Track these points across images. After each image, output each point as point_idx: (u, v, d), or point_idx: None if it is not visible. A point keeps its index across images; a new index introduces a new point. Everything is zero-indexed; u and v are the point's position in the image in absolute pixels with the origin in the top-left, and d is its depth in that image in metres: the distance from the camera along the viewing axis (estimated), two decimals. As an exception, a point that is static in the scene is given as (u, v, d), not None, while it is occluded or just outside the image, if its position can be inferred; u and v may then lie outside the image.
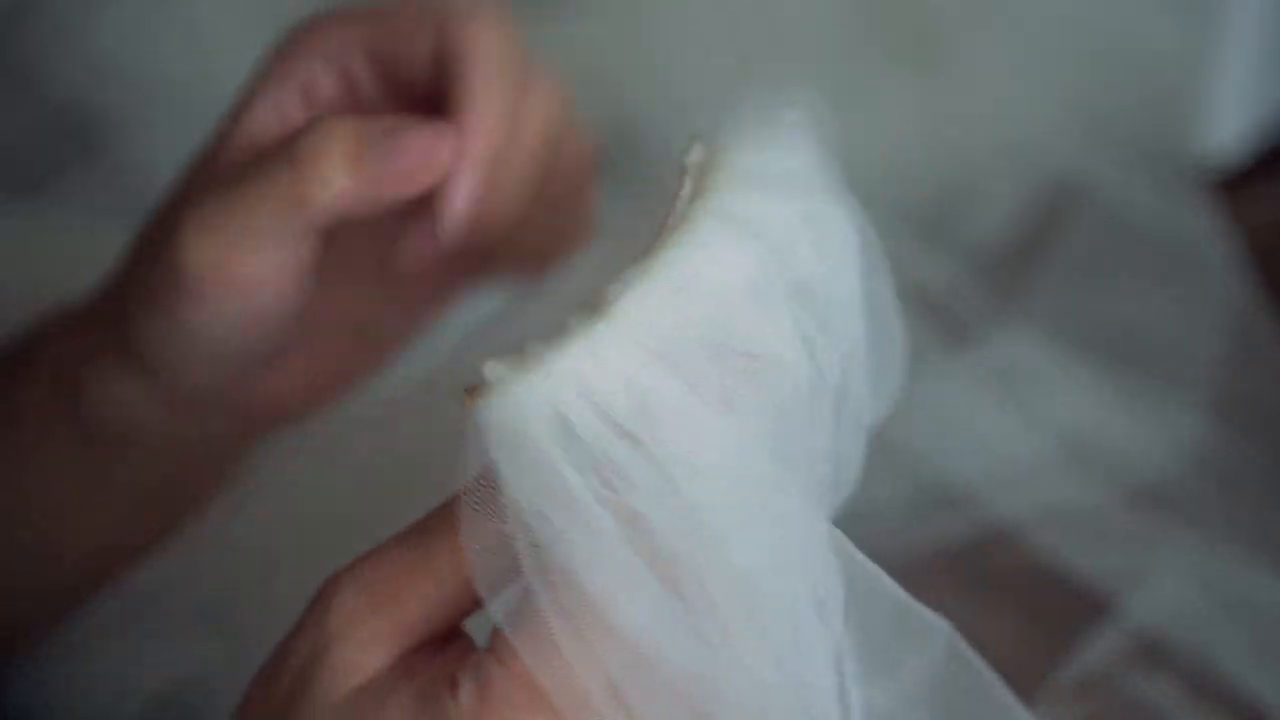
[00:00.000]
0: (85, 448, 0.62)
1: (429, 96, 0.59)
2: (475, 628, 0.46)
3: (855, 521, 0.77)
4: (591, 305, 0.45)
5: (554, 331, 0.45)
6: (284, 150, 0.54)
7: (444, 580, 0.44)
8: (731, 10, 0.98)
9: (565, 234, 0.64)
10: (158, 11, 0.94)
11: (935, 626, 0.48)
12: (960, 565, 0.77)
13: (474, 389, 0.44)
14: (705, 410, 0.45)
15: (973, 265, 0.92)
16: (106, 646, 0.64)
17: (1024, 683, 0.70)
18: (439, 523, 0.45)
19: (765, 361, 0.46)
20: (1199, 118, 0.98)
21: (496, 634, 0.44)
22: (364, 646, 0.43)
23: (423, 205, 0.58)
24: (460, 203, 0.56)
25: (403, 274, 0.62)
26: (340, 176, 0.53)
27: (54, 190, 0.91)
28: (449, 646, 0.45)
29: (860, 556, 0.48)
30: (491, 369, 0.44)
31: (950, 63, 0.98)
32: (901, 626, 0.48)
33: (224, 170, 0.57)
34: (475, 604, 0.45)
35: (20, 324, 0.70)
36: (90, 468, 0.62)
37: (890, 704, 0.48)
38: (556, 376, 0.44)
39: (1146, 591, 0.74)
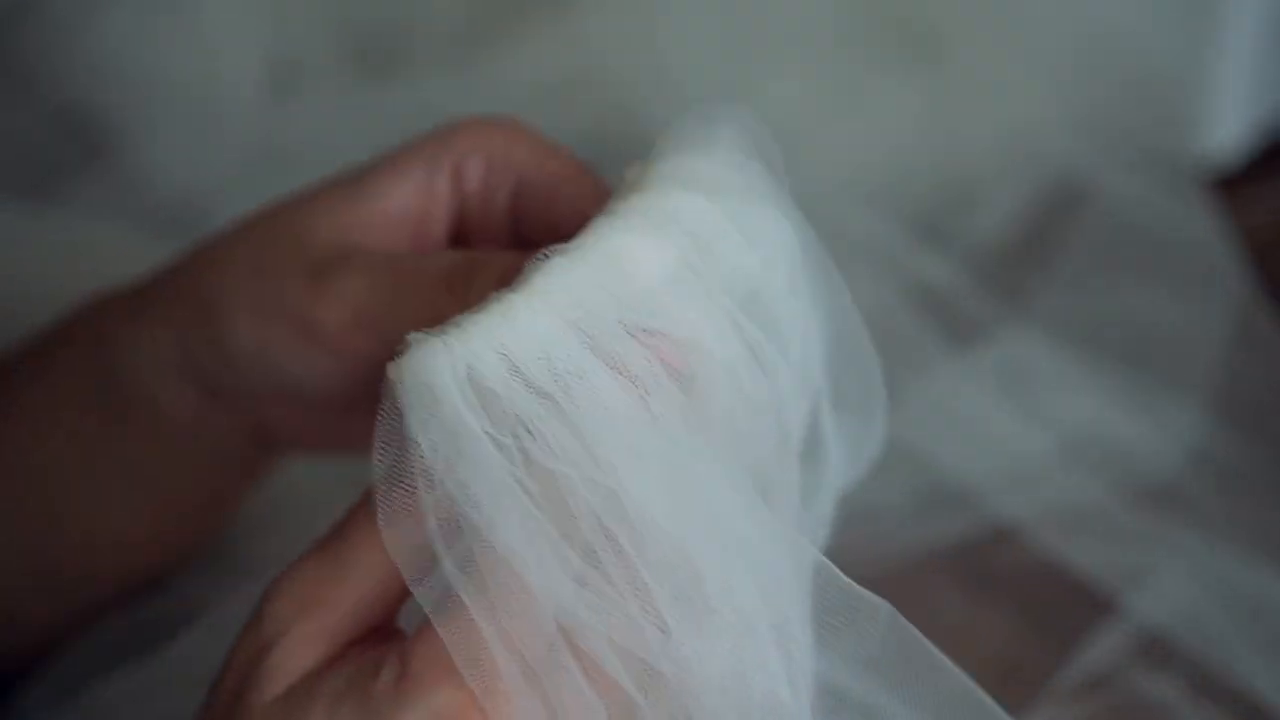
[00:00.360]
0: (116, 427, 0.62)
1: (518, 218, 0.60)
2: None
3: (856, 521, 0.78)
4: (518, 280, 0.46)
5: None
6: (464, 267, 0.54)
7: (363, 579, 0.47)
8: (732, 10, 0.98)
9: None
10: (159, 12, 0.94)
11: (877, 604, 0.49)
12: (962, 564, 0.77)
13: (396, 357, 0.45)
14: (617, 382, 0.46)
15: (973, 265, 0.92)
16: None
17: (1026, 681, 0.71)
18: (353, 524, 0.47)
19: (685, 345, 0.47)
20: (1198, 117, 0.98)
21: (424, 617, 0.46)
22: (296, 648, 0.46)
23: None
24: None
25: None
26: None
27: (55, 190, 0.91)
28: (381, 639, 0.47)
29: (803, 540, 0.48)
30: (413, 337, 0.45)
31: (950, 63, 0.98)
32: (846, 604, 0.49)
33: (363, 233, 0.57)
34: (401, 596, 0.47)
35: (22, 324, 0.70)
36: (118, 450, 0.62)
37: (836, 675, 0.49)
38: (471, 336, 0.45)
39: (1149, 590, 0.74)
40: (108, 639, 0.65)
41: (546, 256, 0.47)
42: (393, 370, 0.45)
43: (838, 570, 0.48)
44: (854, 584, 0.48)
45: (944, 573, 0.76)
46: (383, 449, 0.45)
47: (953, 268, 0.91)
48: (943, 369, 0.85)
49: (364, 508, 0.47)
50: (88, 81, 0.93)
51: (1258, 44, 1.00)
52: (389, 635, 0.48)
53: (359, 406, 0.56)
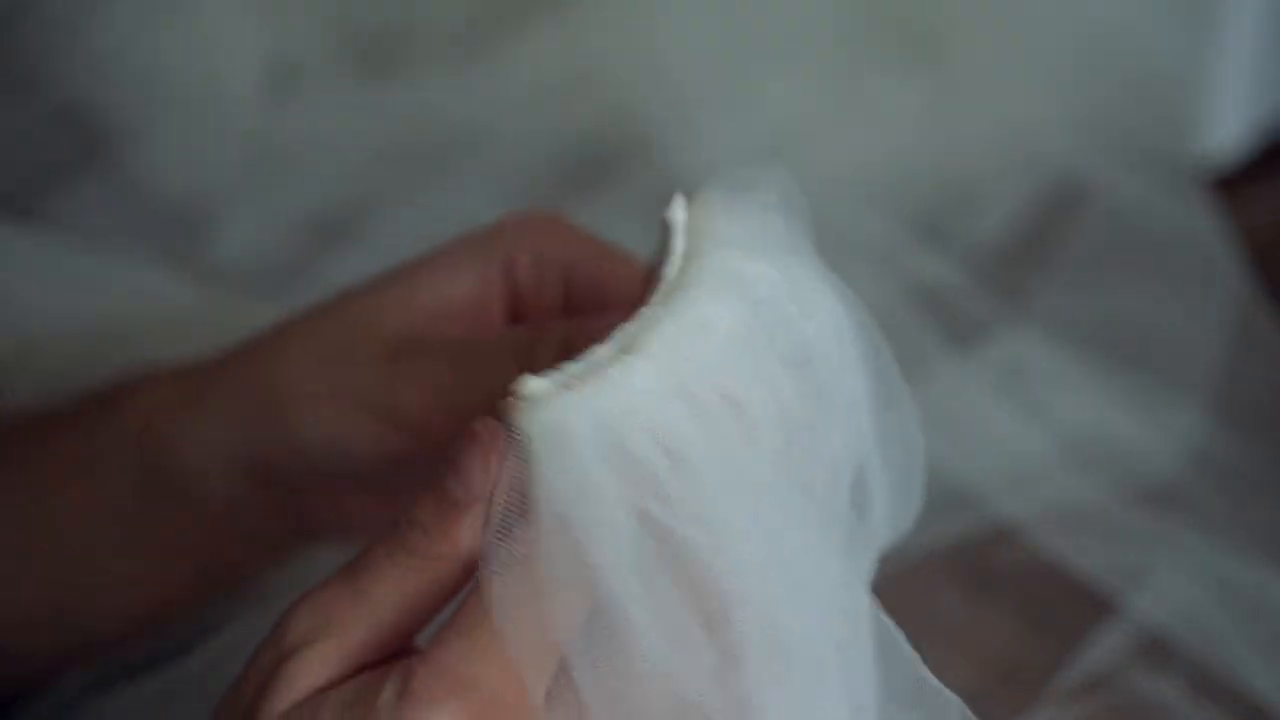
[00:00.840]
0: (155, 507, 0.62)
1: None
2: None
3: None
4: (618, 340, 0.47)
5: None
6: (526, 340, 0.56)
7: (381, 606, 0.48)
8: (732, 10, 0.98)
9: None
10: (158, 11, 0.94)
11: (949, 699, 0.50)
12: (962, 564, 0.77)
13: (510, 401, 0.46)
14: (729, 445, 0.47)
15: (973, 265, 0.92)
16: None
17: (1026, 681, 0.71)
18: (376, 554, 0.48)
19: (746, 411, 0.48)
20: (1198, 117, 0.99)
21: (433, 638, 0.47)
22: (311, 665, 0.47)
23: None
24: None
25: None
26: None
27: (55, 190, 0.91)
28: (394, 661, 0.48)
29: (885, 618, 0.49)
30: (528, 383, 0.46)
31: (951, 63, 0.98)
32: (919, 692, 0.50)
33: (426, 320, 0.59)
34: (417, 627, 0.48)
35: (27, 335, 0.70)
36: (150, 526, 0.63)
37: None
38: (604, 394, 0.46)
39: (1149, 590, 0.74)
40: (113, 659, 0.66)
41: (646, 317, 0.48)
42: (519, 418, 0.46)
43: (917, 657, 0.49)
44: (929, 675, 0.49)
45: (944, 573, 0.76)
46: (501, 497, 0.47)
47: (953, 268, 0.91)
48: (943, 369, 0.85)
49: (389, 538, 0.48)
50: (87, 81, 0.93)
51: (1257, 44, 1.00)
52: (403, 657, 0.49)
53: (409, 489, 0.57)
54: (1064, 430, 0.82)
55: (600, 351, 0.47)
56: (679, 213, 0.51)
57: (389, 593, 0.48)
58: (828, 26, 0.98)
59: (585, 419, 0.46)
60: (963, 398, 0.84)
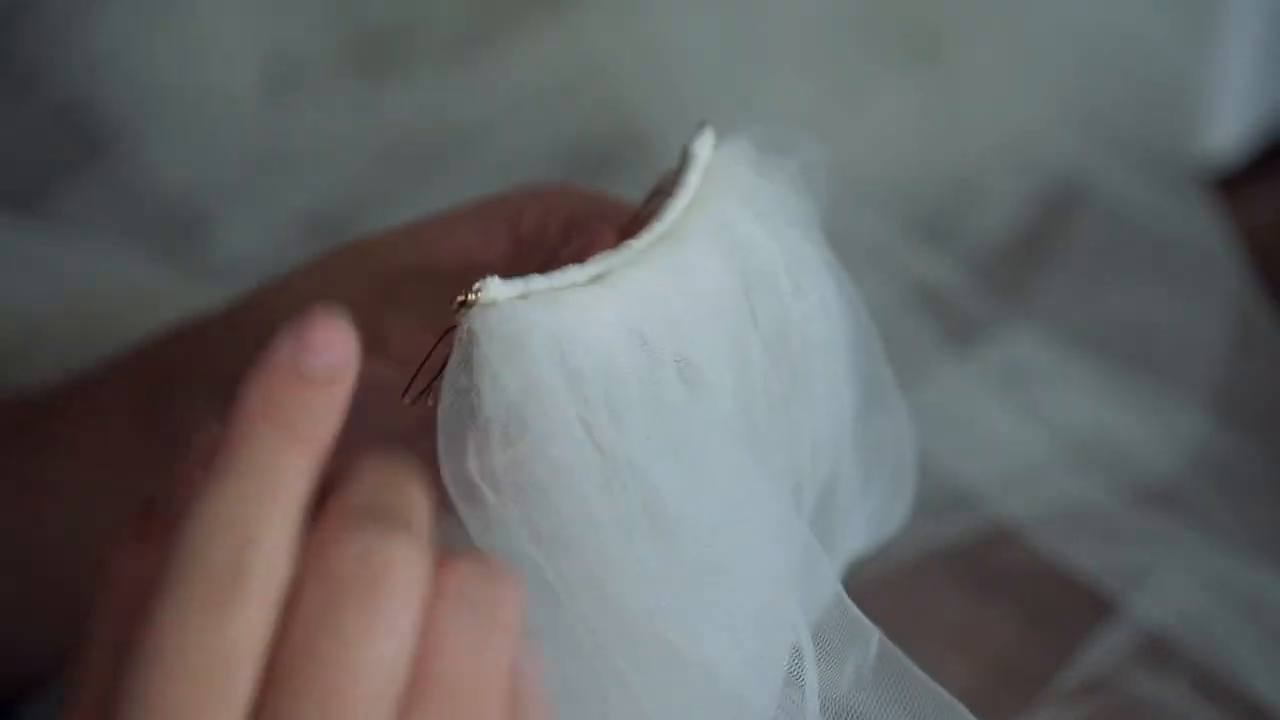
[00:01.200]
0: (156, 451, 0.62)
1: None
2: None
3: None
4: (594, 266, 0.47)
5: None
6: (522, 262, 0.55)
7: None
8: (731, 9, 0.98)
9: None
10: (157, 11, 0.94)
11: (869, 626, 0.49)
12: (962, 564, 0.76)
13: (468, 300, 0.45)
14: (664, 400, 0.46)
15: (974, 265, 0.92)
16: None
17: (1026, 682, 0.70)
18: None
19: (696, 374, 0.47)
20: (1199, 117, 0.98)
21: None
22: None
23: None
24: None
25: None
26: None
27: (54, 190, 0.91)
28: None
29: (818, 549, 0.49)
30: (488, 285, 0.45)
31: (950, 62, 0.98)
32: (844, 621, 0.49)
33: (426, 262, 0.58)
34: None
35: (25, 328, 0.70)
36: (150, 478, 0.62)
37: (835, 692, 0.49)
38: (558, 312, 0.45)
39: (1151, 591, 0.73)
40: None
41: (632, 249, 0.47)
42: (472, 317, 0.45)
43: (844, 593, 0.49)
44: (854, 606, 0.49)
45: (945, 573, 0.76)
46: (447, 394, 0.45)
47: (953, 268, 0.91)
48: (943, 369, 0.85)
49: None
50: (86, 81, 0.93)
51: (1259, 43, 1.00)
52: None
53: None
54: (1064, 430, 0.82)
55: (572, 273, 0.47)
56: (704, 149, 0.50)
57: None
58: (828, 26, 0.98)
59: (537, 330, 0.45)
60: (963, 398, 0.84)
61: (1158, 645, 0.72)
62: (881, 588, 0.74)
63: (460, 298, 0.45)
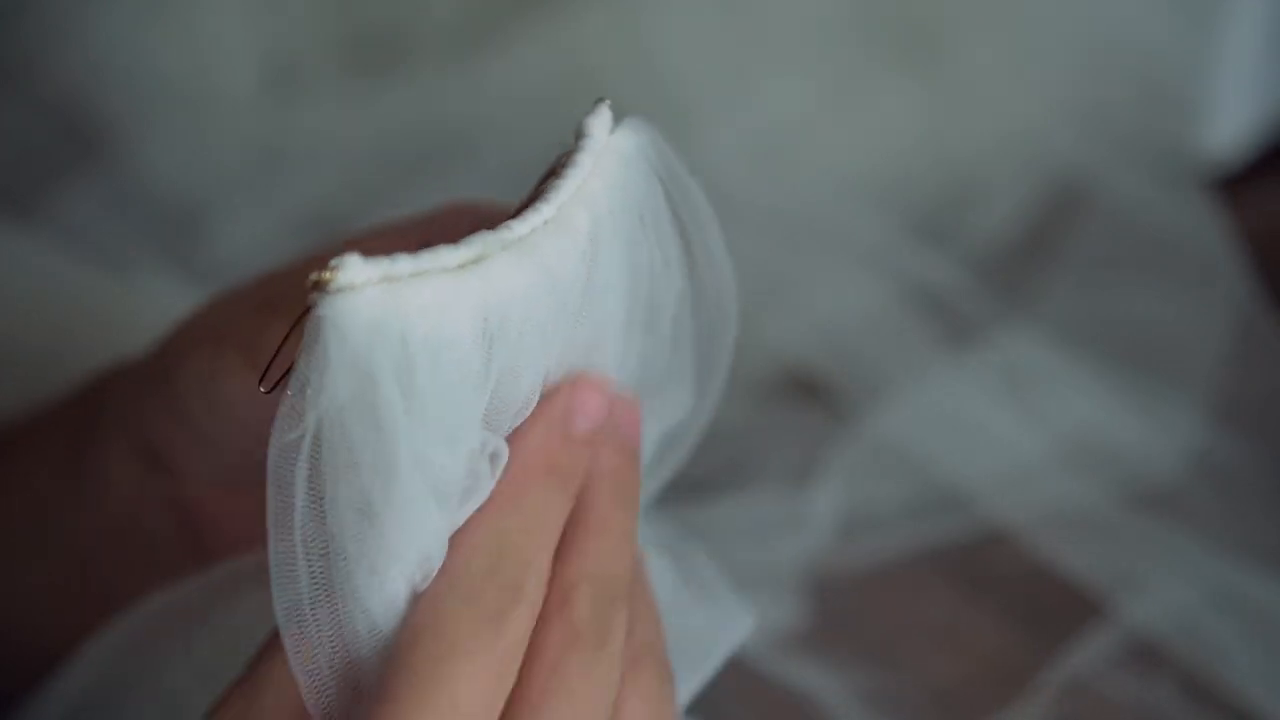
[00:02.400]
0: (74, 495, 0.60)
1: None
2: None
3: (855, 521, 0.78)
4: (469, 249, 0.44)
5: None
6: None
7: (279, 703, 0.46)
8: (730, 10, 0.98)
9: None
10: (156, 10, 0.94)
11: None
12: (957, 566, 0.76)
13: (322, 280, 0.42)
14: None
15: (974, 265, 0.91)
16: None
17: (1019, 683, 0.70)
18: (269, 653, 0.46)
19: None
20: (1200, 117, 0.98)
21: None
22: None
23: None
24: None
25: None
26: None
27: (52, 190, 0.91)
28: None
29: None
30: (349, 264, 0.42)
31: (951, 62, 0.98)
32: None
33: None
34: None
35: (9, 336, 0.70)
36: (69, 522, 0.61)
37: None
38: (421, 300, 0.43)
39: (1144, 593, 0.73)
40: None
41: (505, 233, 0.45)
42: (317, 300, 0.42)
43: None
44: None
45: (939, 574, 0.76)
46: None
47: (953, 268, 0.91)
48: (942, 369, 0.85)
49: (276, 642, 0.46)
50: (84, 80, 0.93)
51: (1261, 43, 0.99)
52: None
53: None
54: (1063, 431, 0.82)
55: (443, 255, 0.43)
56: (600, 129, 0.48)
57: (284, 690, 0.46)
58: (828, 26, 0.98)
59: (384, 331, 0.42)
60: (962, 399, 0.84)
61: (1151, 647, 0.71)
62: (875, 586, 0.74)
63: (314, 276, 0.42)
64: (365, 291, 0.42)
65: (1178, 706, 0.69)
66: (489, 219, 0.54)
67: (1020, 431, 0.82)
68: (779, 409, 0.84)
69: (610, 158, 0.48)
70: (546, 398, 0.48)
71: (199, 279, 0.88)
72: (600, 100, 0.49)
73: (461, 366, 0.44)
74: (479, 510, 0.46)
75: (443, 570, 0.45)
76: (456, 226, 0.54)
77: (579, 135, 0.48)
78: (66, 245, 0.87)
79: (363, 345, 0.42)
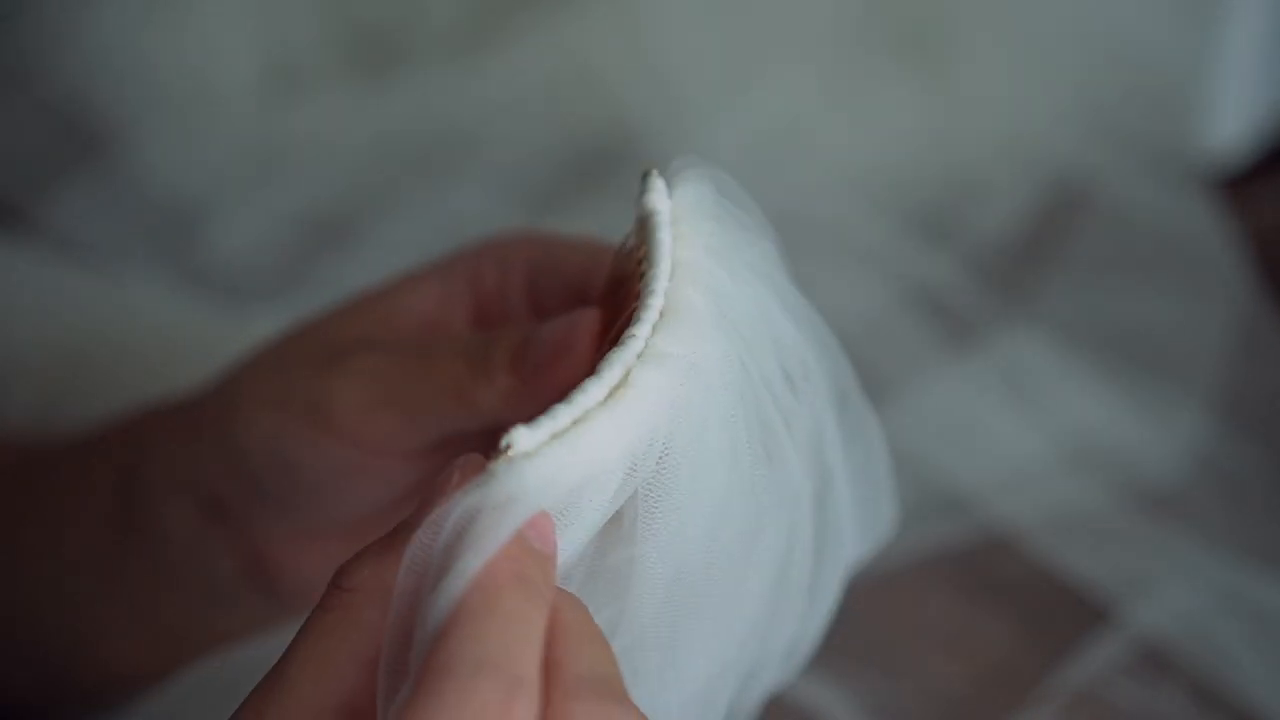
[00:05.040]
0: (126, 545, 0.61)
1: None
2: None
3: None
4: (611, 374, 0.46)
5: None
6: (480, 342, 0.55)
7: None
8: (731, 10, 0.98)
9: None
10: (156, 10, 0.94)
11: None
12: (962, 570, 0.76)
13: (502, 454, 0.44)
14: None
15: (975, 265, 0.91)
16: None
17: (1024, 687, 0.70)
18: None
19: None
20: (1202, 117, 0.98)
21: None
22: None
23: None
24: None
25: None
26: (503, 376, 0.54)
27: (52, 191, 0.91)
28: None
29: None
30: (519, 436, 0.44)
31: (952, 62, 0.98)
32: None
33: (382, 329, 0.58)
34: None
35: (15, 352, 0.70)
36: (122, 570, 0.61)
37: None
38: (580, 456, 0.45)
39: (1150, 597, 0.73)
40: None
41: (634, 343, 0.46)
42: (503, 471, 0.44)
43: None
44: None
45: (944, 578, 0.76)
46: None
47: (953, 268, 0.91)
48: (944, 371, 0.85)
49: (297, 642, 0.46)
50: (84, 80, 0.93)
51: (1262, 43, 0.99)
52: None
53: (366, 530, 0.56)
54: (1066, 432, 0.81)
55: (591, 390, 0.45)
56: (661, 202, 0.48)
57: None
58: (828, 26, 0.98)
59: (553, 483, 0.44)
60: (964, 400, 0.83)
61: (1158, 651, 0.71)
62: (879, 591, 0.74)
63: (500, 451, 0.44)
64: (541, 455, 0.44)
65: (1187, 710, 0.68)
66: (544, 246, 0.56)
67: (1022, 433, 0.82)
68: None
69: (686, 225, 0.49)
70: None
71: (198, 279, 0.88)
72: (647, 174, 0.49)
73: (603, 508, 0.46)
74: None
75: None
76: (512, 260, 0.57)
77: (643, 216, 0.48)
78: (66, 246, 0.87)
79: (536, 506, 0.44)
